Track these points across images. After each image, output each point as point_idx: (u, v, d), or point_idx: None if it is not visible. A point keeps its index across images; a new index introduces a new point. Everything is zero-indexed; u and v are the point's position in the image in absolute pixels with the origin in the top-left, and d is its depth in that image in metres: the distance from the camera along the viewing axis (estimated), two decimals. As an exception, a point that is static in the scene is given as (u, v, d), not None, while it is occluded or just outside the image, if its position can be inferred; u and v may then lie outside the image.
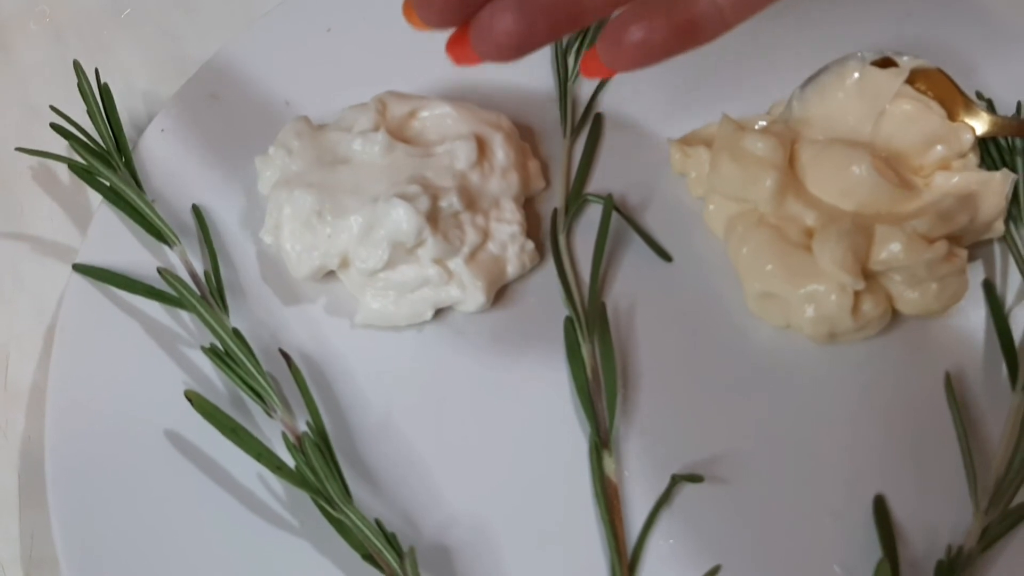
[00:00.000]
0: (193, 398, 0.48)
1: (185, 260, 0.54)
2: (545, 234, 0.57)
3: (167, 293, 0.52)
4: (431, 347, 0.54)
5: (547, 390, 0.52)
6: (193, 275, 0.54)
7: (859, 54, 0.55)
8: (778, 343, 0.53)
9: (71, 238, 0.61)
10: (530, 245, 0.55)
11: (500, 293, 0.55)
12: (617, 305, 0.54)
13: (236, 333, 0.51)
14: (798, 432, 0.50)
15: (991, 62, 0.59)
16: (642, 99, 0.61)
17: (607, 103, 0.61)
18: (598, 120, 0.60)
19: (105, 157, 0.56)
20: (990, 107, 0.58)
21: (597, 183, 0.59)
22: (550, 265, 0.56)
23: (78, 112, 0.59)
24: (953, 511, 0.48)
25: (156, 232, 0.55)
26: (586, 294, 0.54)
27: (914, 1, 0.62)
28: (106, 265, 0.55)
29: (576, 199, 0.57)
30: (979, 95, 0.58)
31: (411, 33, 0.63)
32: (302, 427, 0.49)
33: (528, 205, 0.58)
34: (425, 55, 0.62)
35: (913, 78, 0.55)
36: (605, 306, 0.53)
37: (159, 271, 0.52)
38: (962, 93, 0.56)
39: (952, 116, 0.55)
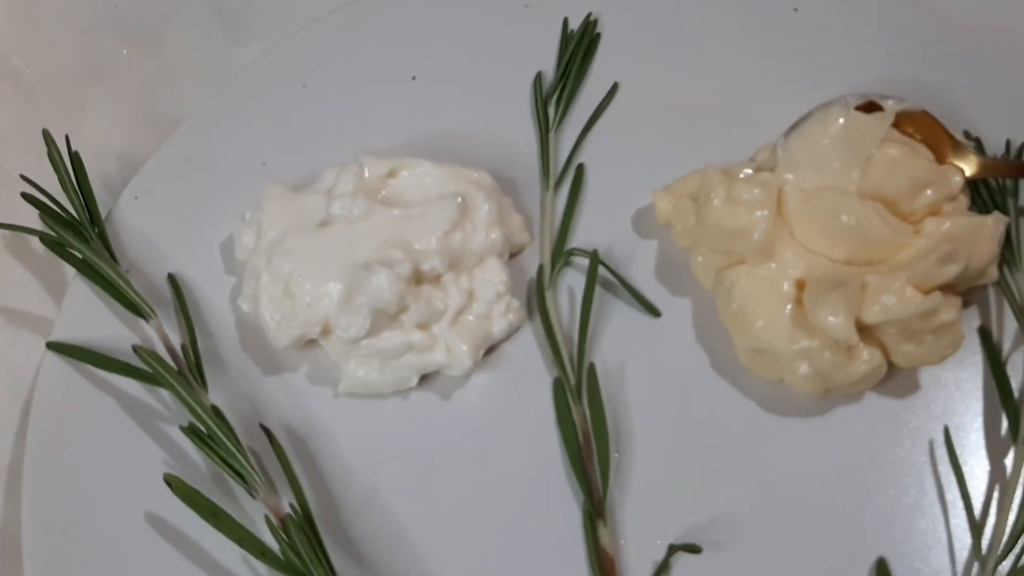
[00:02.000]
0: (173, 482, 0.46)
1: (162, 333, 0.53)
2: (531, 291, 0.56)
3: (143, 371, 0.51)
4: (417, 414, 0.53)
5: (537, 456, 0.51)
6: (170, 349, 0.52)
7: (843, 99, 0.54)
8: (772, 398, 0.52)
9: (46, 308, 0.59)
10: (516, 303, 0.54)
11: (487, 354, 0.54)
12: (606, 363, 0.53)
13: (215, 411, 0.49)
14: (795, 491, 0.49)
15: (978, 100, 0.58)
16: (624, 148, 0.60)
17: (589, 153, 0.60)
18: (580, 171, 0.59)
19: (77, 228, 0.55)
20: (979, 147, 0.57)
21: (582, 236, 0.57)
22: (537, 323, 0.55)
23: (52, 177, 0.57)
24: (958, 570, 0.47)
25: (131, 305, 0.54)
26: (574, 353, 0.53)
27: (897, 42, 0.61)
28: (81, 341, 0.53)
29: (561, 254, 0.56)
30: (967, 134, 0.57)
31: (387, 88, 0.63)
32: (286, 507, 0.47)
33: (512, 261, 0.57)
34: (402, 110, 0.62)
35: (899, 121, 0.54)
36: (595, 366, 0.52)
37: (134, 349, 0.51)
38: (949, 135, 0.55)
39: (940, 158, 0.54)
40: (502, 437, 0.52)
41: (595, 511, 0.48)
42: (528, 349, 0.54)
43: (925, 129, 0.55)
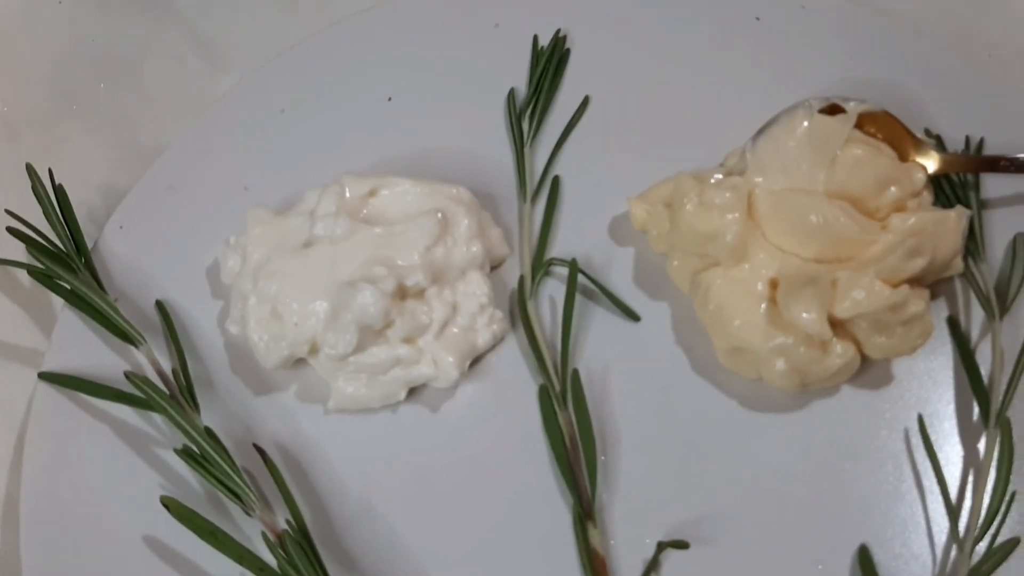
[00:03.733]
0: (170, 504, 0.47)
1: (152, 359, 0.54)
2: (513, 301, 0.57)
3: (136, 396, 0.52)
4: (406, 427, 0.54)
5: (526, 462, 0.52)
6: (161, 374, 0.53)
7: (807, 102, 0.55)
8: (751, 395, 0.53)
9: (35, 340, 0.60)
10: (499, 315, 0.56)
11: (472, 365, 0.55)
12: (589, 369, 0.54)
13: (208, 432, 0.50)
14: (777, 484, 0.50)
15: (937, 99, 0.60)
16: (598, 158, 0.61)
17: (563, 165, 0.61)
18: (556, 183, 0.60)
19: (64, 260, 0.56)
20: (939, 144, 0.59)
21: (560, 246, 0.59)
22: (520, 332, 0.56)
23: (36, 210, 0.58)
24: (938, 553, 0.48)
25: (121, 333, 0.54)
26: (558, 360, 0.54)
27: (857, 45, 0.63)
28: (72, 370, 0.54)
29: (541, 264, 0.57)
30: (928, 132, 0.59)
31: (364, 109, 0.64)
32: (282, 523, 0.48)
33: (493, 273, 0.58)
34: (380, 130, 0.63)
35: (861, 122, 0.56)
36: (578, 372, 0.53)
37: (126, 375, 0.51)
38: (911, 133, 0.57)
39: (903, 156, 0.56)
40: (491, 445, 0.53)
41: (584, 513, 0.49)
42: (513, 358, 0.55)
43: (887, 129, 0.57)
